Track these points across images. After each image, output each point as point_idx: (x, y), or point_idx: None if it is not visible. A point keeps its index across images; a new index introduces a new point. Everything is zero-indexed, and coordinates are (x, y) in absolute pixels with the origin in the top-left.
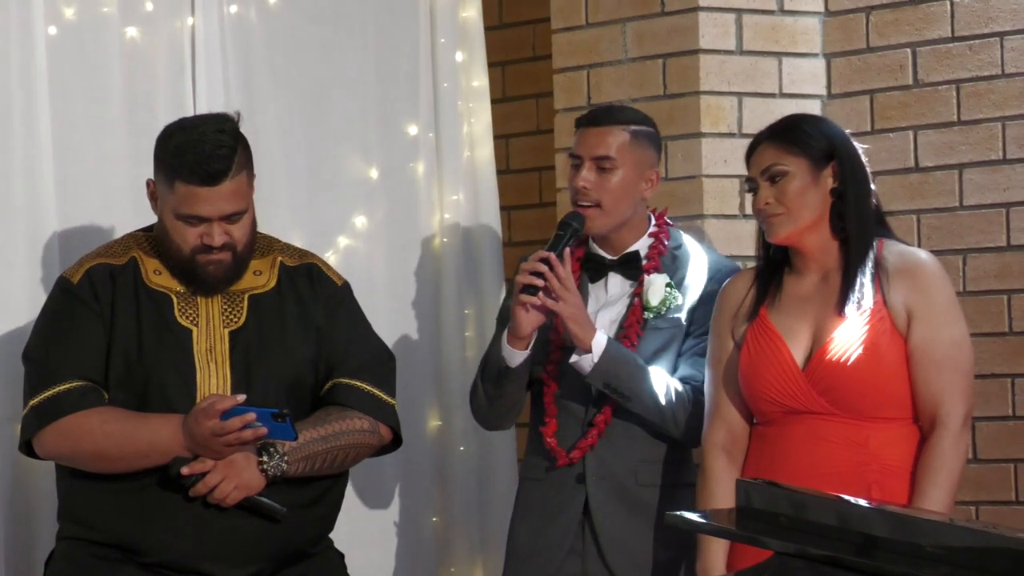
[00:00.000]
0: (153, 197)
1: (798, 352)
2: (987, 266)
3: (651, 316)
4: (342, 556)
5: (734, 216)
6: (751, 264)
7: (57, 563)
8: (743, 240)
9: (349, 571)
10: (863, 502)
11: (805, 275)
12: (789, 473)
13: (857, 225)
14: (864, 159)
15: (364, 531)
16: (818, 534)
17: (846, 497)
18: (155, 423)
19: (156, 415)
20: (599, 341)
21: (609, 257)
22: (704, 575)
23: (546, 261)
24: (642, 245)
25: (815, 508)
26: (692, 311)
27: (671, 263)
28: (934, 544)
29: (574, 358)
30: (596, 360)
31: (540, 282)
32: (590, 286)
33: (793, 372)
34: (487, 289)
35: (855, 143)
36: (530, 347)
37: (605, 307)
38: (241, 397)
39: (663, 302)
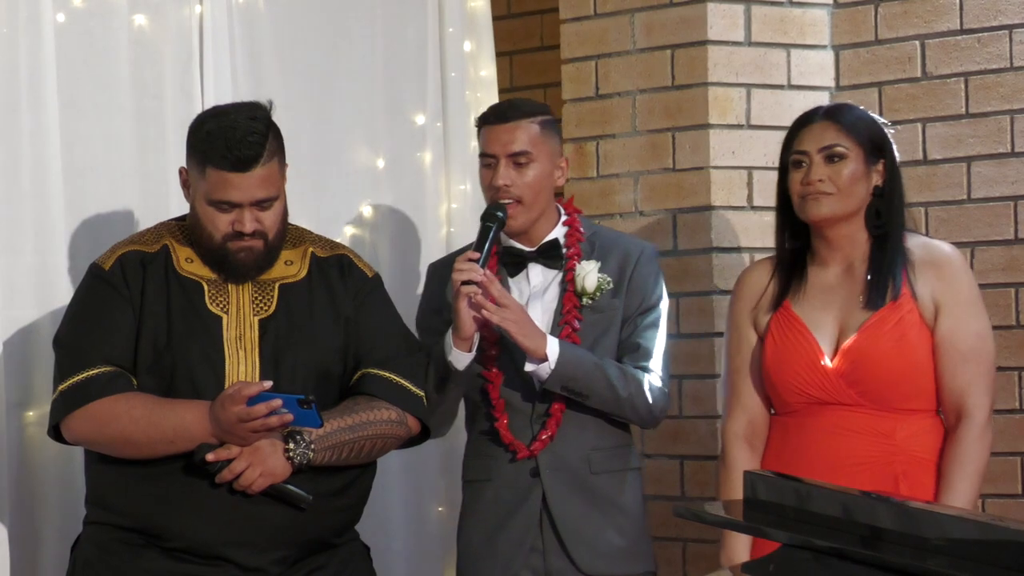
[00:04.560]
0: (185, 185)
1: (825, 343)
2: (995, 259)
3: (588, 302)
4: (367, 549)
5: (742, 208)
6: (759, 256)
7: (83, 547)
8: (750, 232)
9: None
10: (868, 494)
11: (829, 265)
12: (813, 463)
13: (896, 227)
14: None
15: (370, 520)
16: (824, 526)
17: (851, 489)
18: (181, 409)
19: (183, 401)
20: (552, 348)
21: (527, 249)
22: (728, 563)
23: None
24: (559, 233)
25: (821, 500)
26: (623, 293)
27: (591, 249)
28: (939, 536)
29: (529, 367)
30: (553, 367)
31: (479, 276)
32: (511, 280)
33: (821, 364)
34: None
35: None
36: (474, 348)
37: (532, 298)
38: (268, 383)
39: (598, 288)
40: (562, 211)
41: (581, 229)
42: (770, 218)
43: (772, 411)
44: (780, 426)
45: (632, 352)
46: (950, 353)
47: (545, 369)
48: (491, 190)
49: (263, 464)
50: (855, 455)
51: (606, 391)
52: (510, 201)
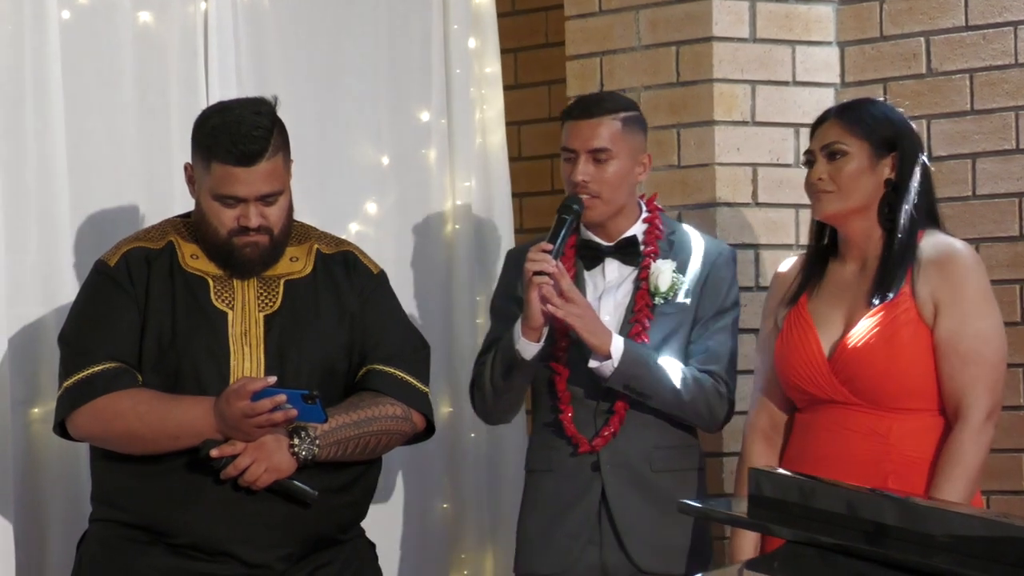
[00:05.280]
0: (191, 181)
1: (827, 340)
2: (999, 255)
3: (660, 302)
4: (373, 546)
5: (746, 204)
6: (764, 252)
7: (89, 544)
8: (755, 228)
9: None
10: (874, 491)
11: (847, 262)
12: (816, 461)
13: (907, 221)
14: (925, 154)
15: (375, 517)
16: (828, 522)
17: (856, 486)
18: (186, 404)
19: (188, 397)
20: (617, 346)
21: (605, 243)
22: (735, 559)
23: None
24: (638, 230)
25: (825, 496)
26: (697, 295)
27: (669, 248)
28: (943, 533)
29: (593, 363)
30: (616, 365)
31: (551, 268)
32: (586, 273)
33: (818, 360)
34: (498, 275)
35: (918, 136)
36: (542, 339)
37: (606, 293)
38: (272, 379)
39: (671, 288)
40: (644, 207)
41: (661, 227)
42: (775, 214)
43: (796, 409)
44: (798, 424)
45: (700, 355)
46: (948, 354)
47: (608, 367)
48: (570, 184)
49: (268, 460)
50: (847, 454)
51: (668, 394)
52: (588, 197)
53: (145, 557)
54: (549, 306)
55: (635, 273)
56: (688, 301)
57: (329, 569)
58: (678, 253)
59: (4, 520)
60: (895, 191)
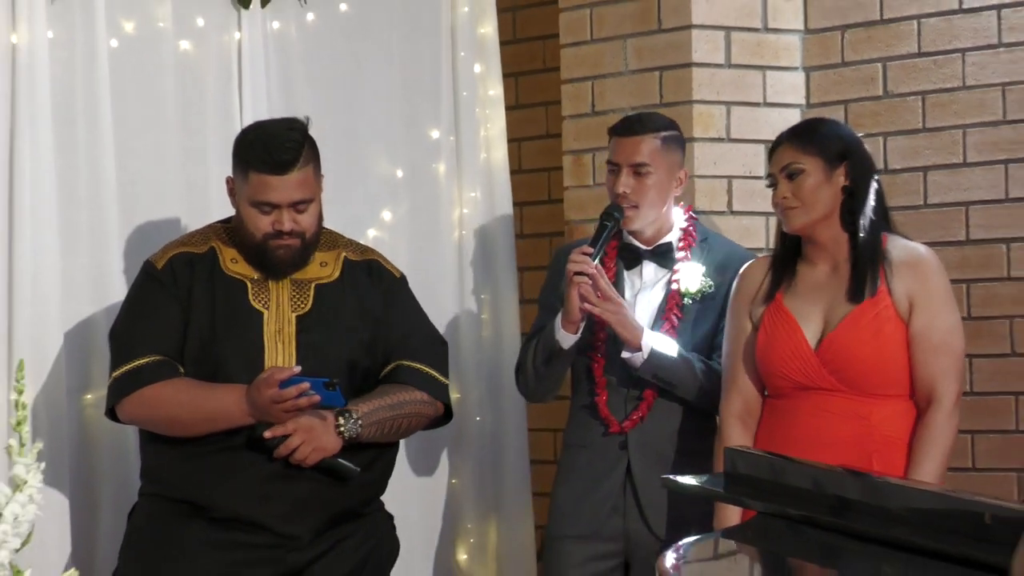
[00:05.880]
0: (232, 193)
1: (810, 334)
2: (948, 259)
3: (689, 302)
4: (391, 517)
5: (723, 212)
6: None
7: (138, 516)
8: (730, 233)
9: None
10: (836, 468)
11: (818, 264)
12: (797, 442)
13: (866, 221)
14: (873, 160)
15: (392, 492)
16: (796, 496)
17: (821, 464)
18: (221, 392)
19: (222, 385)
20: (647, 341)
21: (643, 247)
22: (719, 527)
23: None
24: (673, 237)
25: (793, 473)
26: (723, 295)
27: (701, 253)
28: (900, 506)
29: (626, 354)
30: (646, 357)
31: (591, 270)
32: (625, 273)
33: (806, 352)
34: (501, 276)
35: (866, 146)
36: (580, 331)
37: (642, 292)
38: (297, 368)
39: (699, 290)
40: (681, 216)
41: (694, 234)
42: (748, 222)
43: (765, 394)
44: (771, 408)
45: (720, 349)
46: (923, 345)
47: (639, 358)
48: (612, 194)
49: (316, 440)
50: (833, 435)
51: (691, 383)
52: (628, 207)
53: (188, 527)
54: (587, 304)
55: (668, 275)
56: (716, 301)
57: (352, 540)
58: (709, 258)
59: (60, 495)
60: (852, 196)
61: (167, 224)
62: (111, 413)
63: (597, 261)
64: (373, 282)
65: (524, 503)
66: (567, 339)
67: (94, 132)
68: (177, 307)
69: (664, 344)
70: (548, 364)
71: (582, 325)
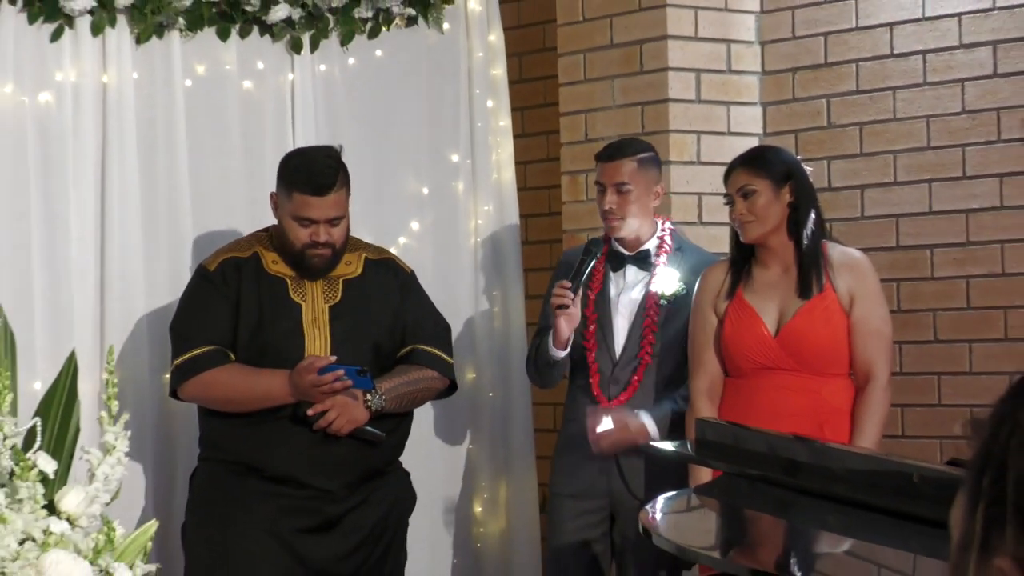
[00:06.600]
0: (275, 207)
1: (769, 324)
2: (881, 262)
3: (665, 303)
4: (408, 474)
5: (694, 223)
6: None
7: (199, 477)
8: (701, 241)
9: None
10: (787, 435)
11: (770, 267)
12: (759, 414)
13: (808, 231)
14: (811, 180)
15: (416, 456)
16: (754, 459)
17: (774, 432)
18: (267, 376)
19: (268, 370)
20: (651, 428)
21: (627, 253)
22: (692, 485)
23: (578, 282)
24: (652, 244)
25: (752, 440)
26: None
27: (676, 260)
28: (841, 467)
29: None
30: (656, 437)
31: (569, 301)
32: (612, 274)
33: (767, 339)
34: (509, 276)
35: (805, 168)
36: (568, 348)
37: (624, 291)
38: (333, 358)
39: (674, 292)
40: (660, 226)
41: (670, 242)
42: (715, 231)
43: (726, 375)
44: (733, 386)
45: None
46: (861, 333)
47: (652, 428)
48: (601, 210)
49: (349, 413)
50: (790, 407)
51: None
52: (616, 219)
53: (244, 483)
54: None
55: (648, 277)
56: (688, 299)
57: (378, 493)
58: (682, 264)
59: (141, 459)
60: (796, 210)
61: (232, 233)
62: (174, 394)
63: (577, 294)
64: (390, 277)
65: (529, 465)
66: (559, 354)
67: (172, 157)
68: (227, 304)
69: (659, 415)
70: (547, 368)
71: (569, 343)
